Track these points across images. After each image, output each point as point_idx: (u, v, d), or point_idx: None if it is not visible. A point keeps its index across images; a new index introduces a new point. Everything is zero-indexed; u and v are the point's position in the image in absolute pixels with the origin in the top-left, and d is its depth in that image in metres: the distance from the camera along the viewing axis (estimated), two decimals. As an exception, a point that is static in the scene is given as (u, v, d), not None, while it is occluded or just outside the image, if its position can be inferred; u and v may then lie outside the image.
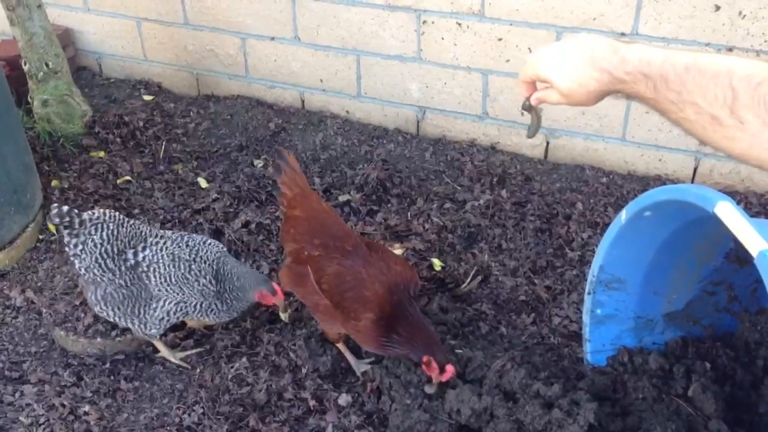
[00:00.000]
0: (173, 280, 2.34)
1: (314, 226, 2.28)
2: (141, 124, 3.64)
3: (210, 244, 2.46)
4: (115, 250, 2.29)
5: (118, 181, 3.32)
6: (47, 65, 3.43)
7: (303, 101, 3.85)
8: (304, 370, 2.40)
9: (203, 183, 3.33)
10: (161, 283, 2.33)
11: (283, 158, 2.32)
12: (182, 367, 2.45)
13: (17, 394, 2.35)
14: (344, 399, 2.31)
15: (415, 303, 2.16)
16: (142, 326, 2.38)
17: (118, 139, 3.54)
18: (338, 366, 2.41)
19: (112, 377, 2.43)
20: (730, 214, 1.66)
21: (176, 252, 2.36)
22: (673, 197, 1.88)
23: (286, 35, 3.67)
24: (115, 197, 3.22)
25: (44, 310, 2.62)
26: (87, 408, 2.30)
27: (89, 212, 2.28)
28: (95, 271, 2.29)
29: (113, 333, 2.50)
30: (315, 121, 3.74)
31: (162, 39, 3.96)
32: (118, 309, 2.34)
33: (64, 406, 2.30)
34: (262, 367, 2.42)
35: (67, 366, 2.46)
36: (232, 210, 3.13)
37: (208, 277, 2.39)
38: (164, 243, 2.37)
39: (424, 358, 2.10)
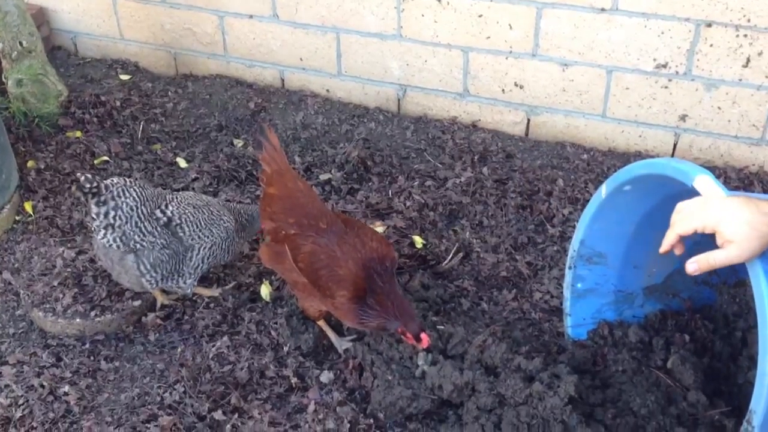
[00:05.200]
0: (203, 224, 2.43)
1: (288, 204, 2.27)
2: (118, 104, 3.59)
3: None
4: (148, 211, 2.33)
5: (96, 162, 3.28)
6: (21, 44, 3.37)
7: (283, 80, 3.81)
8: (285, 348, 2.40)
9: (182, 163, 3.30)
10: (194, 230, 2.40)
11: (264, 134, 2.30)
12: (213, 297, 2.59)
13: (-5, 376, 2.33)
14: (326, 376, 2.31)
15: (391, 277, 2.15)
16: (180, 280, 2.44)
17: (95, 119, 3.49)
18: (320, 343, 2.41)
19: (91, 357, 2.41)
20: (709, 187, 1.66)
21: (192, 201, 2.46)
22: (652, 171, 1.89)
23: (264, 13, 3.62)
24: (93, 175, 3.17)
25: (22, 292, 2.59)
26: (67, 388, 2.27)
27: (109, 179, 2.30)
28: (136, 237, 2.31)
29: (92, 313, 2.48)
30: (295, 100, 3.71)
31: (138, 17, 3.90)
32: (166, 271, 2.39)
33: (43, 386, 2.27)
34: (243, 346, 2.41)
35: (46, 347, 2.44)
36: (211, 190, 3.11)
37: (226, 214, 2.52)
38: (178, 197, 2.44)
39: (399, 329, 2.12)
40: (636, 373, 2.12)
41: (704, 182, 1.68)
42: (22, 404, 2.22)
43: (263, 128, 2.32)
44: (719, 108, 3.10)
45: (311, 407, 2.20)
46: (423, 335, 2.10)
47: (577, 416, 1.96)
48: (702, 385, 2.07)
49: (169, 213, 2.37)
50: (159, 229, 2.35)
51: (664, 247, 1.59)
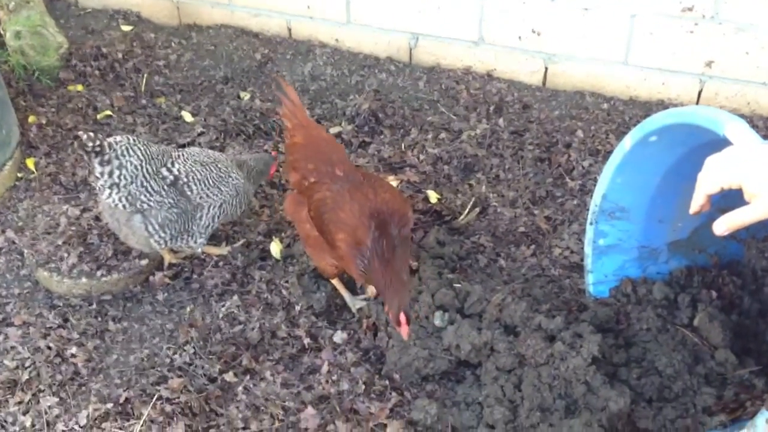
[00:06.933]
0: (212, 182, 2.35)
1: (311, 151, 2.24)
2: (120, 56, 3.48)
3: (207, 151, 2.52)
4: (153, 169, 2.24)
5: (99, 116, 3.19)
6: (18, -6, 3.26)
7: (290, 30, 3.68)
8: (297, 308, 2.33)
9: (188, 117, 3.20)
10: (202, 189, 2.33)
11: (281, 89, 2.28)
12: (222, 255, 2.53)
13: (1, 337, 2.27)
14: (339, 336, 2.24)
15: (398, 235, 2.02)
16: (190, 239, 2.37)
17: (97, 72, 3.39)
18: (333, 303, 2.34)
19: (99, 318, 2.36)
20: (742, 135, 1.55)
21: (199, 158, 2.38)
22: (680, 120, 1.79)
23: (269, -42, 3.48)
24: (95, 133, 3.08)
25: (26, 251, 2.52)
26: (74, 350, 2.22)
27: (112, 137, 2.20)
28: (142, 197, 2.23)
29: (99, 273, 2.41)
30: (303, 51, 3.59)
31: (139, -35, 3.76)
32: (175, 231, 2.33)
33: (50, 348, 2.22)
34: (254, 305, 2.35)
35: (53, 307, 2.38)
36: (218, 144, 3.02)
37: (235, 170, 2.44)
38: (184, 155, 2.36)
39: (384, 307, 2.01)
40: (661, 331, 2.05)
41: (737, 130, 1.57)
42: (29, 366, 2.17)
43: (280, 83, 2.29)
44: (747, 53, 2.95)
45: (325, 368, 2.15)
46: (401, 318, 1.92)
47: (601, 376, 1.89)
48: (730, 343, 2.00)
49: (175, 171, 2.29)
50: (166, 188, 2.27)
51: (693, 208, 1.49)
